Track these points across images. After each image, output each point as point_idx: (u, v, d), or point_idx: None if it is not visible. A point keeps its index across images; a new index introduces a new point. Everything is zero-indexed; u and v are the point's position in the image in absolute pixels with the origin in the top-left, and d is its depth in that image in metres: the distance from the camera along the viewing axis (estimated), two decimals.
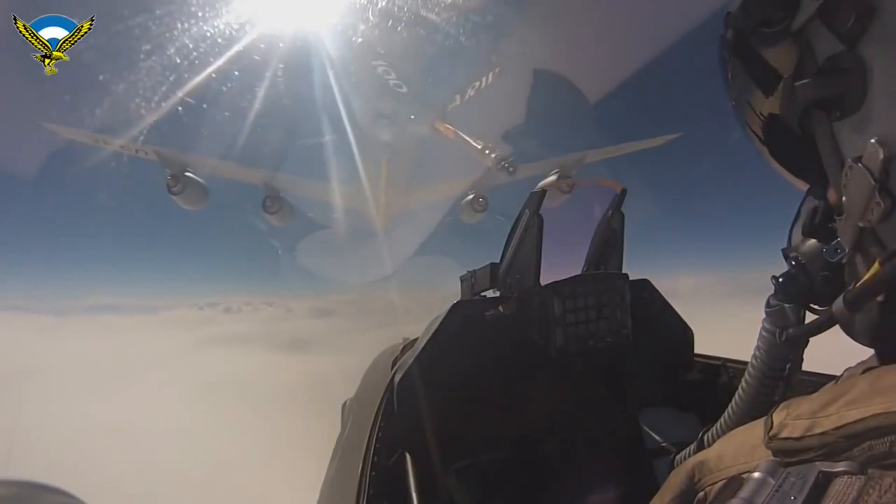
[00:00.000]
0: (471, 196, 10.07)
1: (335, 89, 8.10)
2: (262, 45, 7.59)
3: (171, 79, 7.50)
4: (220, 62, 7.36)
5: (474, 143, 7.97)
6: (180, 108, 7.93)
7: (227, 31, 7.14)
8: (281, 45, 7.85)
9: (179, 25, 7.03)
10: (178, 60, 7.29)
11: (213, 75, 7.57)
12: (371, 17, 7.13)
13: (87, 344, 13.72)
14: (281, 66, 8.04)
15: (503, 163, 7.68)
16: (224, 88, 8.02)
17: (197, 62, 7.34)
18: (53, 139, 8.86)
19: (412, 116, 8.35)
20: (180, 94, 7.67)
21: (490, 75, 8.13)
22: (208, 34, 7.11)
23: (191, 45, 7.16)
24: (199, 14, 6.98)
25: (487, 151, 7.81)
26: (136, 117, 8.13)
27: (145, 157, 8.66)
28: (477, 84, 8.20)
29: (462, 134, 8.11)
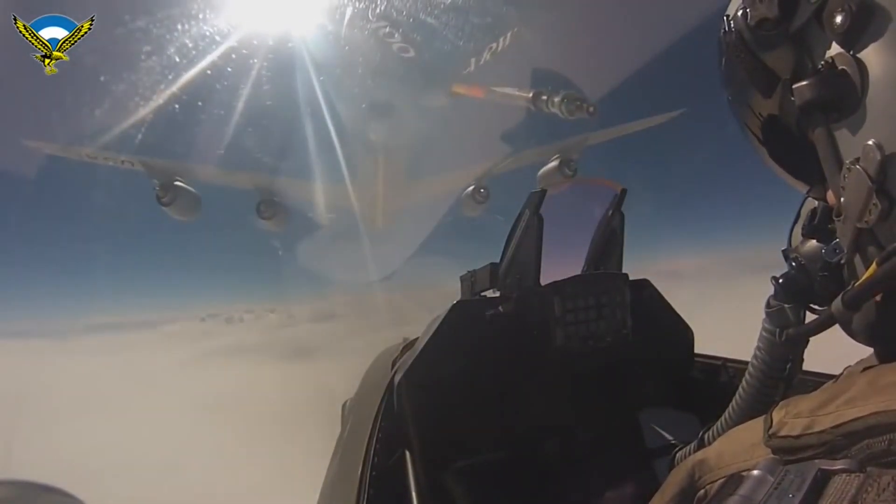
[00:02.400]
0: (471, 187, 9.83)
1: (332, 71, 7.68)
2: (248, 37, 7.34)
3: (156, 87, 7.29)
4: (204, 63, 7.16)
5: (521, 94, 6.43)
6: (165, 116, 7.76)
7: (213, 30, 6.96)
8: (268, 34, 7.58)
9: (162, 31, 6.88)
10: (161, 67, 7.11)
11: (198, 78, 7.35)
12: None
13: (87, 365, 13.52)
14: (268, 56, 7.74)
15: (585, 104, 6.11)
16: (209, 88, 7.82)
17: (180, 66, 7.16)
18: (36, 156, 8.68)
19: (424, 83, 7.42)
20: (164, 101, 7.45)
21: (506, 37, 6.91)
22: (192, 37, 6.95)
23: (173, 50, 6.99)
24: (182, 18, 6.84)
25: (546, 97, 6.22)
26: (120, 128, 7.88)
27: (131, 168, 8.43)
28: (493, 46, 7.01)
29: (496, 88, 6.78)
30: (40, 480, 0.68)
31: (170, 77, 7.27)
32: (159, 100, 7.42)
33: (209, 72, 7.35)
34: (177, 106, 7.75)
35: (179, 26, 6.87)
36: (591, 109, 6.17)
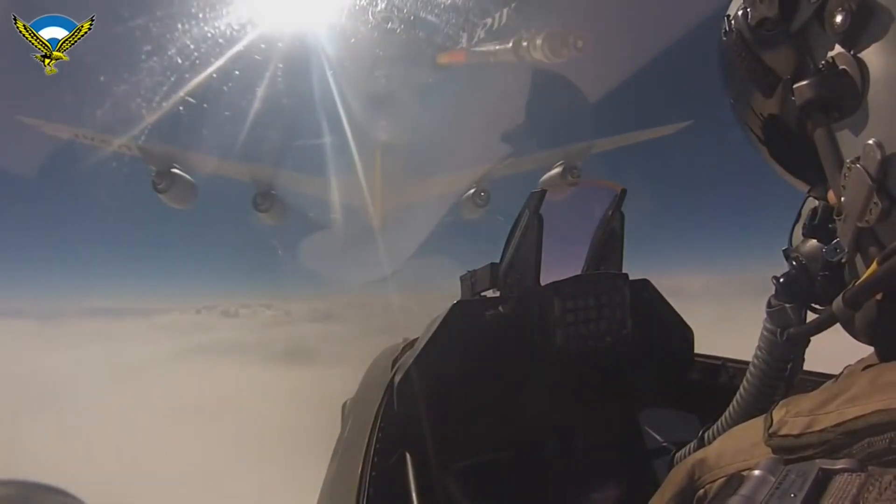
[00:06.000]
0: (472, 191, 9.80)
1: (333, 62, 7.59)
2: (247, 30, 7.32)
3: (155, 73, 7.30)
4: (203, 55, 7.15)
5: (501, 47, 5.88)
6: (165, 104, 7.72)
7: (211, 24, 6.98)
8: (266, 26, 7.56)
9: (162, 20, 6.91)
10: (161, 55, 7.12)
11: (198, 68, 7.34)
12: None
13: (73, 352, 13.36)
14: (268, 49, 7.71)
15: (570, 39, 5.60)
16: (209, 80, 7.79)
17: (180, 56, 7.17)
18: (33, 136, 8.61)
19: (410, 56, 7.10)
20: (165, 89, 7.45)
21: (502, 13, 6.35)
22: (191, 28, 6.96)
23: (173, 39, 7.01)
24: (183, 10, 6.88)
25: (526, 43, 5.68)
26: (119, 113, 7.91)
27: (128, 152, 8.40)
28: (487, 22, 6.52)
29: (479, 49, 6.34)
30: (41, 480, 0.68)
31: (170, 67, 7.29)
32: (158, 88, 7.44)
33: (210, 63, 7.38)
34: (175, 95, 7.72)
35: (181, 18, 6.90)
36: (579, 44, 5.63)
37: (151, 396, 11.48)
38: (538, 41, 5.68)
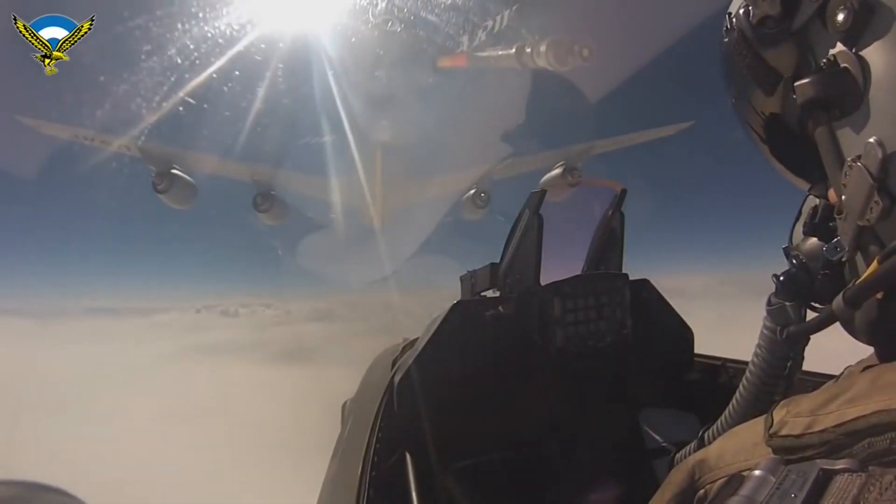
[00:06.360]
0: (472, 192, 9.79)
1: (333, 63, 7.60)
2: (247, 31, 7.31)
3: (155, 73, 7.30)
4: (203, 55, 7.15)
5: (503, 52, 5.76)
6: (165, 104, 7.71)
7: (211, 24, 6.96)
8: (266, 27, 7.56)
9: (162, 20, 6.91)
10: (161, 55, 7.12)
11: (198, 68, 7.35)
12: None
13: (72, 351, 13.37)
14: (270, 50, 7.73)
15: (576, 48, 5.48)
16: (209, 81, 7.76)
17: (180, 56, 7.17)
18: (33, 136, 8.54)
19: (410, 56, 7.09)
20: (165, 89, 7.45)
21: (504, 16, 6.22)
22: (191, 28, 6.96)
23: (173, 39, 7.01)
24: (183, 11, 6.87)
25: (530, 49, 5.55)
26: (119, 113, 7.93)
27: (128, 153, 8.40)
28: (488, 24, 6.38)
29: (481, 54, 6.23)
30: (41, 480, 0.68)
31: (170, 67, 7.29)
32: (158, 88, 7.44)
33: (210, 64, 7.37)
34: (175, 95, 7.70)
35: (181, 18, 6.90)
36: (585, 52, 5.41)
37: (151, 395, 11.49)
38: (542, 48, 5.57)
